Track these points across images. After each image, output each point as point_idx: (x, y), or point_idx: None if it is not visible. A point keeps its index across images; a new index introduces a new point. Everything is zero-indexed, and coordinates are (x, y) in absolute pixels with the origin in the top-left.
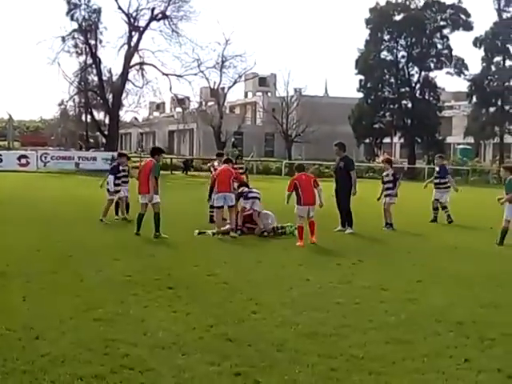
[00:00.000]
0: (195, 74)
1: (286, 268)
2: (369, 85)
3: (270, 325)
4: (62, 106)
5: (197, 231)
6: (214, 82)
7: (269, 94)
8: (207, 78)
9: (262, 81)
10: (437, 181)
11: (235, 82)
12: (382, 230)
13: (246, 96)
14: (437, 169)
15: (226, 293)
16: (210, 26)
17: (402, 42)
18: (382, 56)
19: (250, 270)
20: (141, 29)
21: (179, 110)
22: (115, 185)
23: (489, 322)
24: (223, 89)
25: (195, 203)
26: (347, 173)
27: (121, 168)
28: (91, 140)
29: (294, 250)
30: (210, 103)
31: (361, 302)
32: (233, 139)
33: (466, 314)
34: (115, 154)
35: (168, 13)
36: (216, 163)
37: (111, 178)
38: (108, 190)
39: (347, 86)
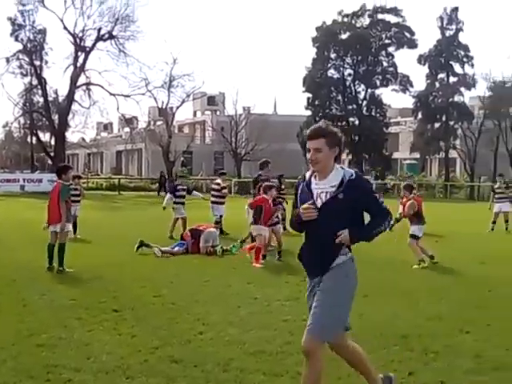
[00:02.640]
0: (143, 94)
1: (233, 287)
2: (316, 102)
3: (216, 344)
4: (7, 128)
5: (137, 244)
6: (162, 102)
7: (217, 112)
8: (155, 98)
9: (211, 100)
10: None
11: (183, 102)
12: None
13: (194, 115)
14: None
15: (173, 313)
16: (158, 45)
17: (349, 60)
18: (329, 74)
19: (197, 289)
20: (87, 49)
21: (127, 129)
22: None
23: (433, 334)
24: (171, 108)
25: (143, 223)
26: None
27: (72, 187)
28: (36, 162)
29: (241, 268)
30: (158, 123)
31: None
32: (182, 158)
33: (410, 327)
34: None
35: (115, 33)
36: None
37: None
38: None
39: (296, 103)
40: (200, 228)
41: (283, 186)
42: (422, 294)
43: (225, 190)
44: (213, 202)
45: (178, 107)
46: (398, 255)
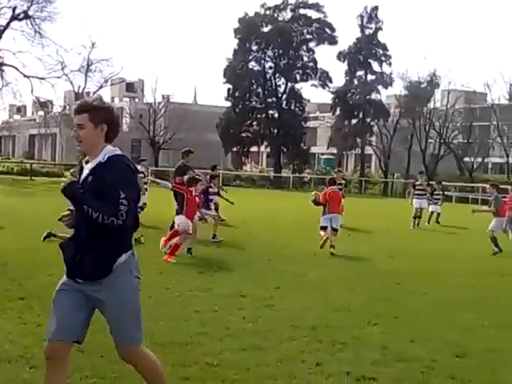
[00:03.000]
0: (59, 77)
1: (145, 277)
2: (237, 94)
3: None
4: None
5: (45, 233)
6: (79, 86)
7: (136, 99)
8: (71, 82)
9: (130, 86)
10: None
11: (101, 87)
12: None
13: (112, 101)
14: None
15: None
16: (76, 28)
17: (270, 53)
18: (250, 66)
19: None
20: (1, 28)
21: (41, 113)
22: None
23: (341, 325)
24: (88, 93)
25: (56, 210)
26: None
27: None
28: None
29: (155, 258)
30: (74, 107)
31: (219, 310)
32: None
33: (320, 319)
34: None
35: (30, 13)
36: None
37: None
38: None
39: (216, 94)
40: None
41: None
42: (333, 285)
43: (147, 178)
44: None
45: (95, 92)
46: (309, 248)
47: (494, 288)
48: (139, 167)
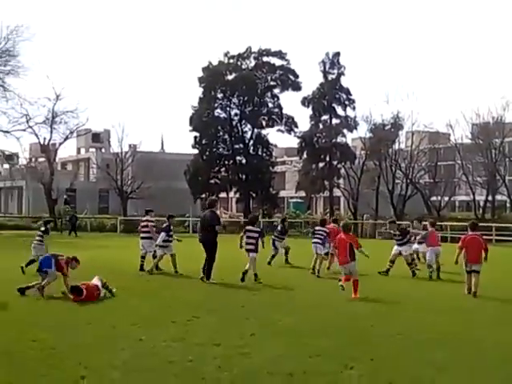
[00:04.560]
0: (24, 130)
1: (117, 328)
2: (204, 141)
3: None
4: None
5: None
6: (44, 138)
7: (103, 149)
8: (36, 134)
9: (96, 137)
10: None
11: (67, 138)
12: None
13: (78, 152)
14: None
15: (53, 359)
16: (40, 80)
17: (235, 100)
18: (216, 113)
19: (79, 332)
20: None
21: (6, 166)
22: None
23: (318, 371)
24: (54, 145)
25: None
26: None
27: None
28: None
29: (127, 309)
30: (40, 159)
31: (194, 360)
32: (65, 196)
33: (296, 365)
34: None
35: None
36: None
37: None
38: None
39: (184, 141)
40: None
41: (171, 227)
42: (308, 330)
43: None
44: (144, 238)
45: (60, 144)
46: (283, 293)
47: (466, 325)
48: (148, 217)
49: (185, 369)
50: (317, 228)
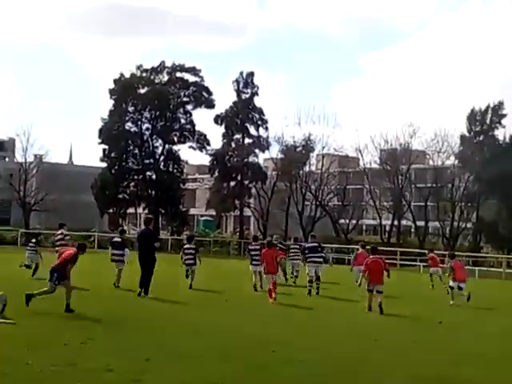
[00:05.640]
0: None
1: (1, 351)
2: (113, 155)
3: None
4: None
5: None
6: None
7: (6, 159)
8: None
9: None
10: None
11: None
12: None
13: None
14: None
15: None
16: None
17: (147, 114)
18: (127, 127)
19: None
20: None
21: None
22: None
23: None
24: None
25: None
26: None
27: None
28: None
29: (14, 328)
30: None
31: None
32: None
33: None
34: None
35: None
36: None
37: None
38: None
39: (92, 154)
40: None
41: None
42: (208, 356)
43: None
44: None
45: None
46: (184, 315)
47: (369, 353)
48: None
49: None
50: (251, 247)
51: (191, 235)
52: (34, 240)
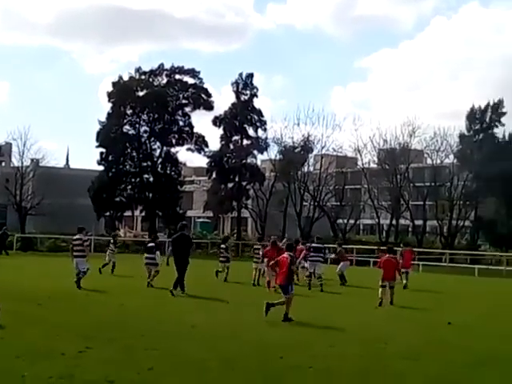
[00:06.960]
0: None
1: None
2: (110, 158)
3: None
4: None
5: None
6: None
7: (3, 163)
8: None
9: None
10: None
11: None
12: None
13: None
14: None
15: None
16: None
17: (145, 117)
18: (125, 130)
19: None
20: None
21: None
22: None
23: None
24: None
25: None
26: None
27: None
28: None
29: (10, 337)
30: None
31: None
32: None
33: None
34: None
35: None
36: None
37: None
38: None
39: (90, 157)
40: None
41: None
42: (213, 364)
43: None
44: (78, 257)
45: None
46: (189, 320)
47: (380, 358)
48: (80, 235)
49: None
50: (255, 246)
51: (226, 236)
52: (112, 241)
